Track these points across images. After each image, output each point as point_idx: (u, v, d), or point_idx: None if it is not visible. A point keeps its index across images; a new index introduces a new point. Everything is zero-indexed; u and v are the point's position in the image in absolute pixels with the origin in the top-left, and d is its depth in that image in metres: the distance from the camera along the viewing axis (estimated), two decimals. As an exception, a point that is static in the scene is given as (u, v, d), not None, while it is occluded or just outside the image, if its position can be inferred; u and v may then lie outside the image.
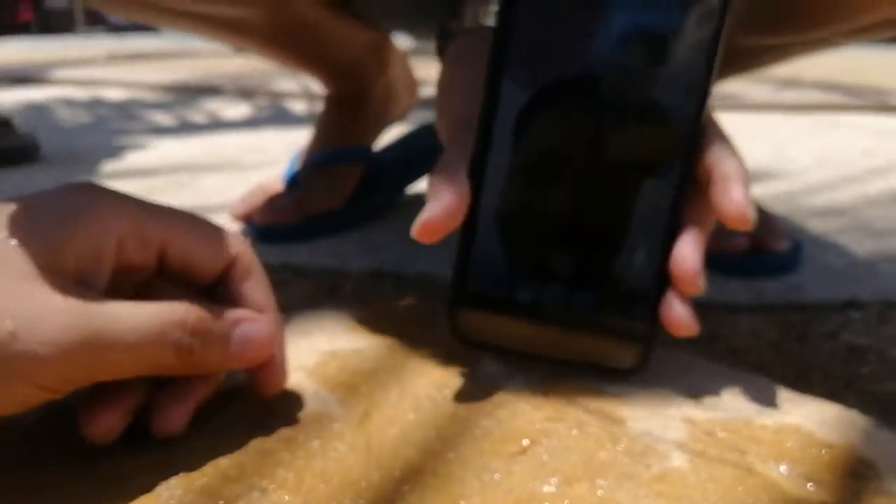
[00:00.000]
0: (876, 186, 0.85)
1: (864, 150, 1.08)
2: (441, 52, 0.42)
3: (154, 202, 0.29)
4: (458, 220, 0.31)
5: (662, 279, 0.31)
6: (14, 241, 0.25)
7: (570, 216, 0.32)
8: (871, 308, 0.50)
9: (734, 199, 0.30)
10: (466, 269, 0.33)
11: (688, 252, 0.30)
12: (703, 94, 0.31)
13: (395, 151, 0.71)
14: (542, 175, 0.32)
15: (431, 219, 0.30)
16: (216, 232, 0.31)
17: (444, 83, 0.37)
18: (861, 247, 0.63)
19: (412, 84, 0.76)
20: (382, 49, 0.70)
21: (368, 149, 0.69)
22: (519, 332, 0.33)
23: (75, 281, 0.26)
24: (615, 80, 0.31)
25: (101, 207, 0.27)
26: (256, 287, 0.31)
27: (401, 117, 0.75)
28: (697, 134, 0.31)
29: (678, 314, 0.30)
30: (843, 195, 0.81)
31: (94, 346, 0.25)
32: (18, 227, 0.25)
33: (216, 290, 0.31)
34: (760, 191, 0.82)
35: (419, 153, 0.71)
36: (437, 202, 0.30)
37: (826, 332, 0.47)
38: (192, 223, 0.30)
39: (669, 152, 0.31)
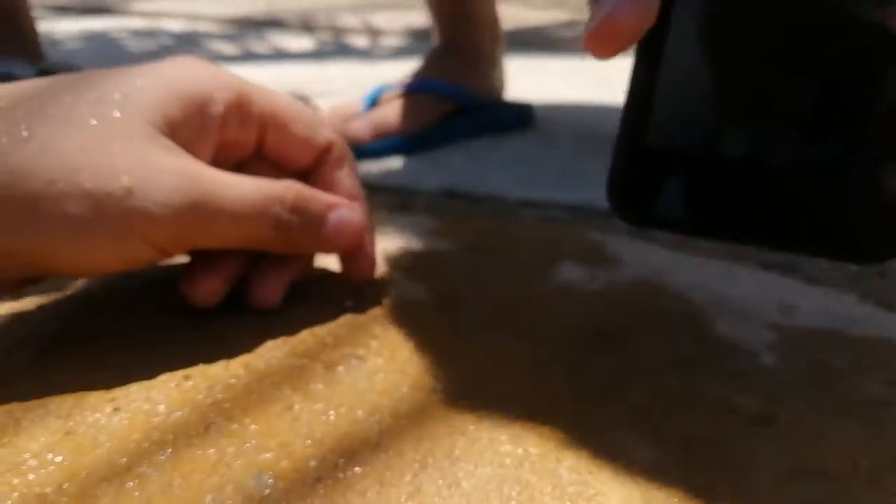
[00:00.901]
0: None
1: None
2: None
3: (256, 83, 0.30)
4: (650, 23, 0.22)
5: None
6: (131, 106, 0.26)
7: (803, 44, 0.23)
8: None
9: None
10: (644, 118, 0.24)
11: None
12: None
13: (486, 102, 0.71)
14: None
15: (618, 16, 0.21)
16: (313, 118, 0.31)
17: None
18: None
19: (503, 84, 0.75)
20: (495, 22, 0.70)
21: (454, 87, 0.68)
22: (718, 210, 0.24)
23: (184, 149, 0.27)
24: None
25: (210, 80, 0.28)
26: (349, 175, 0.32)
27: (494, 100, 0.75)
28: None
29: None
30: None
31: (201, 209, 0.25)
32: (134, 92, 0.26)
33: (310, 178, 0.31)
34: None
35: (507, 112, 0.71)
36: None
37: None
38: (292, 107, 0.30)
39: None
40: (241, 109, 0.28)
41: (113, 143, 0.24)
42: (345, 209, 0.30)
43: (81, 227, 0.24)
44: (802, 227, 0.24)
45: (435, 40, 0.73)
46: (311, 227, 0.29)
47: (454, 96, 0.67)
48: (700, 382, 0.26)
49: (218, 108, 0.28)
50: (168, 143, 0.26)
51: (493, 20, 0.71)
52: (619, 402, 0.25)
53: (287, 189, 0.28)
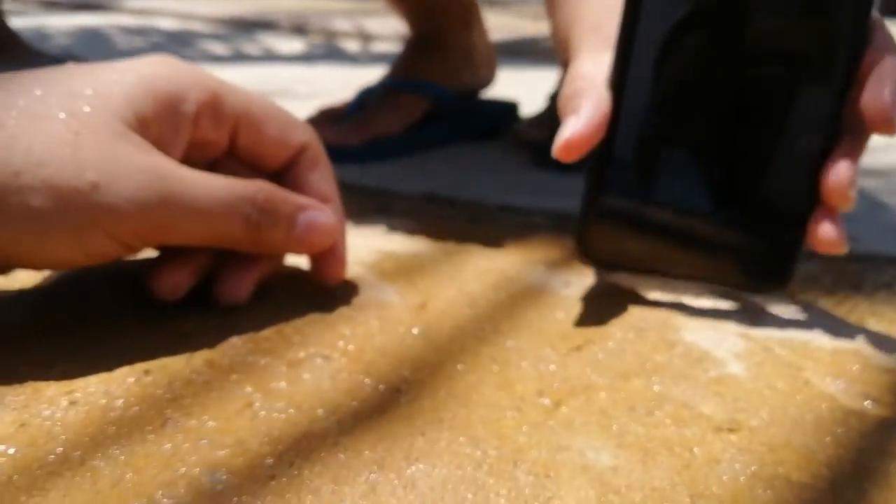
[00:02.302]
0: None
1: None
2: None
3: (229, 83, 0.30)
4: (600, 135, 0.29)
5: (814, 194, 0.29)
6: (102, 101, 0.25)
7: (722, 123, 0.29)
8: (931, 266, 0.49)
9: (882, 100, 0.27)
10: (602, 182, 0.30)
11: (843, 165, 0.28)
12: None
13: (466, 103, 0.71)
14: (689, 83, 0.29)
15: (574, 137, 0.28)
16: (288, 118, 0.31)
17: None
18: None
19: (491, 58, 0.75)
20: (468, 7, 0.70)
21: (438, 86, 0.69)
22: (655, 248, 0.31)
23: (154, 146, 0.26)
24: None
25: (183, 78, 0.28)
26: (322, 177, 0.31)
27: (479, 87, 0.75)
28: (862, 37, 0.28)
29: (827, 231, 0.29)
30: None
31: (168, 206, 0.25)
32: (105, 88, 0.26)
33: (283, 178, 0.31)
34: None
35: (489, 110, 0.71)
36: (578, 118, 0.29)
37: (882, 282, 0.46)
38: (266, 107, 0.30)
39: (830, 57, 0.28)
40: (215, 108, 0.28)
41: (81, 138, 0.24)
42: (315, 211, 0.29)
43: (45, 220, 0.24)
44: (717, 262, 0.31)
45: (407, 32, 0.73)
46: (280, 228, 0.28)
47: (435, 94, 0.67)
48: (666, 388, 0.26)
49: (190, 106, 0.27)
50: (138, 139, 0.25)
51: (464, 7, 0.70)
52: (584, 405, 0.24)
53: (258, 189, 0.28)
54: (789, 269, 0.30)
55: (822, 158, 0.29)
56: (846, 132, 0.29)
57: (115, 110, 0.25)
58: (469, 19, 0.71)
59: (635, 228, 0.31)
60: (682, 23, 0.29)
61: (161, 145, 0.27)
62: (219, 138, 0.29)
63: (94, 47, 1.32)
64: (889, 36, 0.29)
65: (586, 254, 0.32)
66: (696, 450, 0.22)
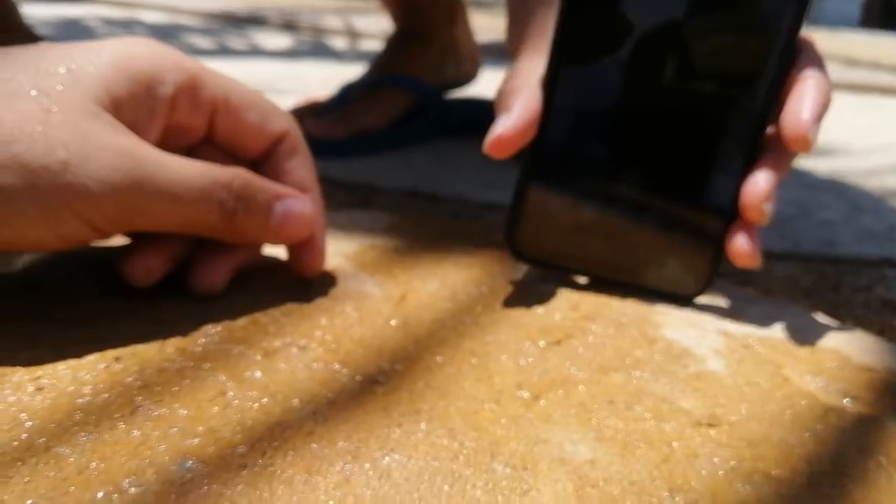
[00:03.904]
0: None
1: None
2: None
3: (209, 68, 0.29)
4: (530, 135, 0.30)
5: (735, 207, 0.30)
6: (75, 80, 0.25)
7: (649, 130, 0.31)
8: (909, 269, 0.49)
9: (799, 118, 0.28)
10: (531, 179, 0.32)
11: (761, 178, 0.29)
12: (797, 11, 0.28)
13: (449, 100, 0.71)
14: (621, 87, 0.30)
15: (505, 134, 0.29)
16: (267, 106, 0.30)
17: None
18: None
19: (475, 54, 0.75)
20: (449, 2, 0.70)
21: (421, 82, 0.68)
22: (582, 248, 0.32)
23: (129, 128, 0.26)
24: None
25: (161, 60, 0.27)
26: (302, 166, 0.31)
27: (462, 82, 0.75)
28: (788, 54, 0.29)
29: (742, 244, 0.30)
30: (883, 163, 0.79)
31: (142, 190, 0.25)
32: (79, 67, 0.25)
33: (262, 167, 0.31)
34: (802, 161, 0.80)
35: (474, 108, 0.71)
36: (510, 115, 0.29)
37: (860, 285, 0.46)
38: (244, 94, 0.30)
39: (756, 74, 0.29)
40: (193, 92, 0.28)
41: (52, 116, 0.23)
42: (293, 200, 0.29)
43: (14, 199, 0.23)
44: (640, 266, 0.32)
45: (391, 27, 0.73)
46: (256, 217, 0.28)
47: (418, 89, 0.67)
48: (646, 383, 0.25)
49: (167, 89, 0.27)
50: (111, 120, 0.25)
51: (448, 3, 0.70)
52: (563, 398, 0.24)
53: (234, 176, 0.27)
54: (705, 280, 0.31)
55: (744, 173, 0.29)
56: (771, 149, 0.29)
57: (88, 89, 0.25)
58: (453, 15, 0.71)
59: (563, 227, 0.32)
60: (614, 27, 0.30)
61: (136, 127, 0.26)
62: (196, 123, 0.29)
63: (75, 38, 1.31)
64: (817, 55, 0.30)
65: (514, 250, 0.33)
66: (675, 444, 0.22)
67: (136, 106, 0.26)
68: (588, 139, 0.31)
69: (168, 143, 0.28)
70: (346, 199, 0.52)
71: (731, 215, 0.30)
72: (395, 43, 0.71)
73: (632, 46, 0.30)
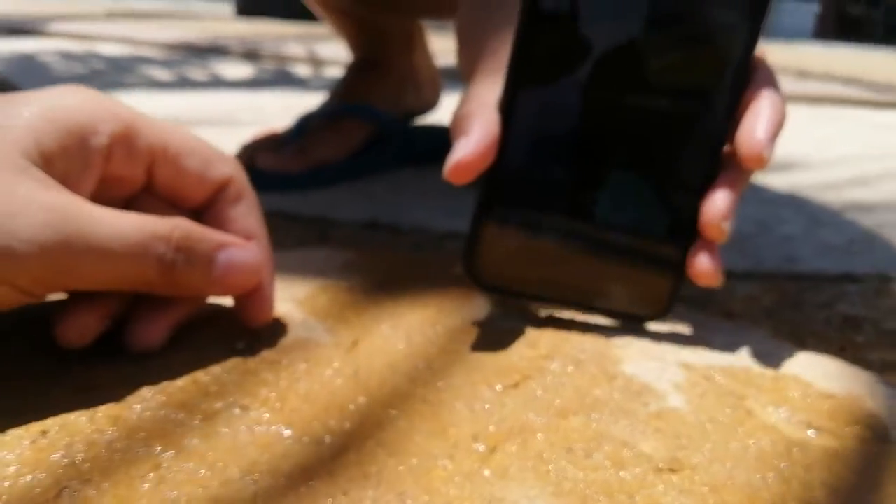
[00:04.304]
0: (874, 170, 0.84)
1: (864, 142, 1.07)
2: None
3: (148, 115, 0.28)
4: (490, 158, 0.29)
5: (695, 226, 0.30)
6: (2, 135, 0.24)
7: (607, 152, 0.30)
8: (868, 282, 0.50)
9: (754, 137, 0.28)
10: (490, 203, 0.31)
11: (720, 195, 0.29)
12: (752, 30, 0.28)
13: (409, 128, 0.71)
14: (579, 109, 0.30)
15: (464, 159, 0.28)
16: (209, 152, 0.29)
17: (467, 19, 0.35)
18: (859, 227, 0.62)
19: (435, 80, 0.75)
20: (408, 29, 0.70)
21: (380, 111, 0.68)
22: (542, 273, 0.31)
23: (60, 183, 0.25)
24: (661, 11, 0.29)
25: (94, 110, 0.26)
26: (247, 213, 0.30)
27: (423, 110, 0.74)
28: (744, 72, 0.29)
29: (703, 263, 0.29)
30: (841, 175, 0.80)
31: (72, 248, 0.23)
32: (7, 120, 0.24)
33: (205, 215, 0.29)
34: (760, 177, 0.81)
35: (435, 136, 0.71)
36: (468, 140, 0.29)
37: (821, 302, 0.46)
38: (185, 141, 0.28)
39: (714, 92, 0.29)
40: (129, 142, 0.26)
41: None
42: (237, 249, 0.28)
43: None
44: (602, 290, 0.31)
45: (350, 57, 0.72)
46: (198, 268, 0.27)
47: (377, 118, 0.66)
48: (606, 426, 0.25)
49: (101, 139, 0.26)
50: (40, 175, 0.24)
51: (406, 30, 0.70)
52: (520, 448, 0.23)
53: (173, 227, 0.26)
54: (667, 301, 0.31)
55: (703, 192, 0.29)
56: (728, 167, 0.29)
57: (15, 143, 0.23)
58: (411, 42, 0.70)
59: (522, 252, 0.31)
60: (571, 48, 0.29)
61: (68, 181, 0.25)
62: (134, 173, 0.27)
63: (30, 73, 1.28)
64: (771, 73, 0.30)
65: (473, 277, 0.32)
66: (636, 496, 0.21)
67: (67, 158, 0.25)
68: (547, 162, 0.30)
69: (104, 194, 0.27)
70: (302, 234, 0.51)
71: (691, 235, 0.30)
72: (354, 72, 0.70)
73: (590, 67, 0.29)
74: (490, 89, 0.31)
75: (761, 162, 0.28)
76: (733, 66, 0.29)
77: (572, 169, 0.30)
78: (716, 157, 0.29)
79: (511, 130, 0.30)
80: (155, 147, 0.27)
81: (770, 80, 0.29)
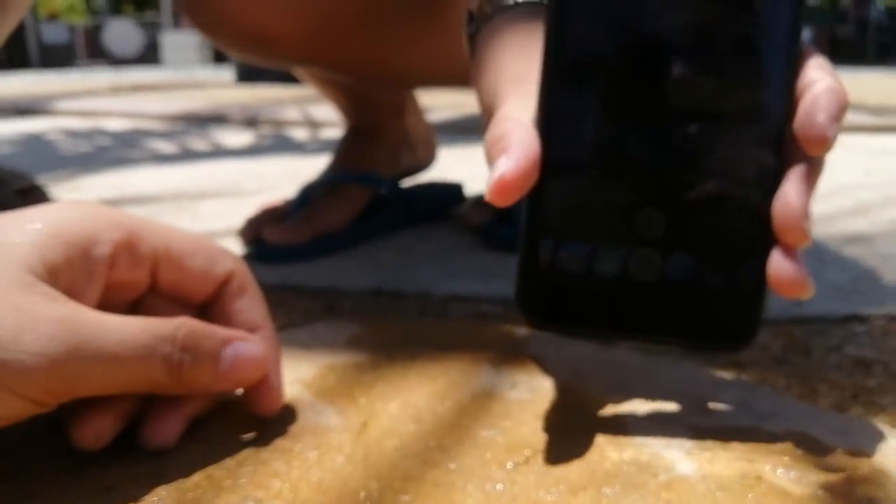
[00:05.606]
0: (874, 199, 0.85)
1: (862, 168, 1.08)
2: (472, 38, 0.36)
3: (148, 219, 0.29)
4: (534, 177, 0.26)
5: (769, 233, 0.26)
6: (7, 253, 0.25)
7: (658, 170, 0.27)
8: (876, 321, 0.50)
9: (814, 118, 0.25)
10: (540, 231, 0.28)
11: (792, 193, 0.25)
12: (795, 19, 0.26)
13: (409, 189, 0.72)
14: (622, 126, 0.27)
15: (506, 176, 0.25)
16: (210, 249, 0.30)
17: (487, 53, 0.33)
18: (863, 263, 0.62)
19: (429, 138, 0.77)
20: (399, 96, 0.72)
21: (379, 175, 0.69)
22: (601, 306, 0.28)
23: (66, 294, 0.25)
24: (698, 18, 0.27)
25: (95, 222, 0.27)
26: (251, 305, 0.30)
27: (419, 168, 0.76)
28: (793, 63, 0.26)
29: (786, 271, 0.25)
30: (841, 207, 0.81)
31: (80, 356, 0.24)
32: (10, 238, 0.25)
33: (210, 310, 0.30)
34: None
35: (434, 194, 0.72)
36: (509, 157, 0.26)
37: (830, 346, 0.46)
38: (186, 241, 0.30)
39: (766, 88, 0.27)
40: (131, 248, 0.27)
41: None
42: (242, 343, 0.28)
43: (-54, 381, 0.22)
44: (672, 320, 0.28)
45: (343, 127, 0.74)
46: (205, 365, 0.27)
47: (377, 182, 0.68)
48: (616, 500, 0.25)
49: (104, 248, 0.27)
50: (46, 289, 0.24)
51: (396, 96, 0.72)
52: (533, 530, 0.23)
53: (177, 327, 0.27)
54: (753, 322, 0.27)
55: (771, 193, 0.26)
56: (794, 159, 0.26)
57: (20, 260, 0.24)
58: (402, 106, 0.72)
59: (577, 283, 0.28)
60: (605, 61, 0.27)
61: (73, 292, 0.26)
62: (138, 278, 0.28)
63: (37, 153, 1.31)
64: (822, 58, 0.27)
65: (526, 312, 0.28)
66: (648, 574, 0.21)
67: (72, 270, 0.26)
68: (596, 181, 0.27)
69: (110, 300, 0.27)
70: (309, 306, 0.52)
71: (768, 243, 0.26)
72: (349, 140, 0.72)
73: (629, 77, 0.27)
74: (522, 109, 0.28)
75: (825, 143, 0.25)
76: (782, 54, 0.27)
77: (624, 188, 0.27)
78: (778, 152, 0.26)
79: (551, 150, 0.27)
80: (157, 250, 0.28)
81: (822, 64, 0.27)
